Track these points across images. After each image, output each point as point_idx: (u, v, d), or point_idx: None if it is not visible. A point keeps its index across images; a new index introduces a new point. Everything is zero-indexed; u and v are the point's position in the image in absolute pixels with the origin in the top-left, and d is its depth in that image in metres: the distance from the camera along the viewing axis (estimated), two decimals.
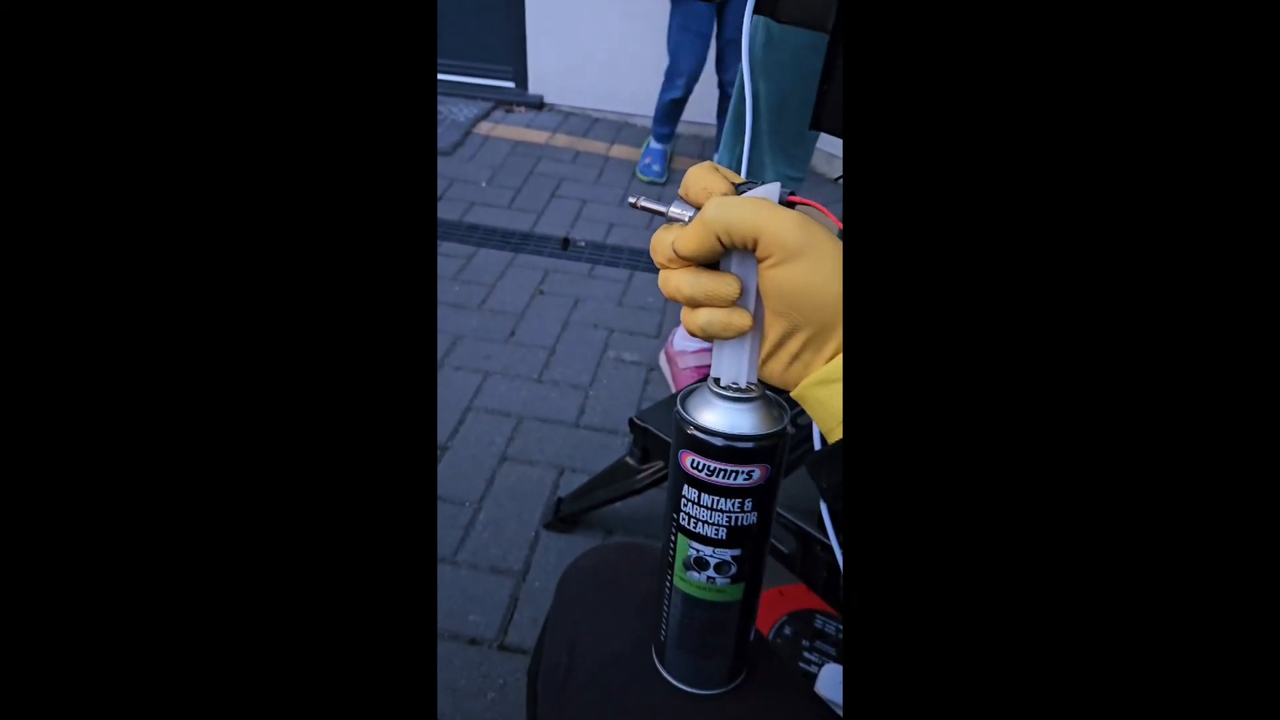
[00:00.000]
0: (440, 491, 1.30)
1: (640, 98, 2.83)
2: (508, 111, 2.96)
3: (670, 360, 1.61)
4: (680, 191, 0.37)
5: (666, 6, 2.41)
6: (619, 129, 2.87)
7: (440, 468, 1.35)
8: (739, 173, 0.39)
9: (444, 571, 1.17)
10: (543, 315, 1.80)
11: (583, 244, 2.14)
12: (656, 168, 2.52)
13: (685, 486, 0.39)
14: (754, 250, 0.33)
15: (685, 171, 0.36)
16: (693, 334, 0.37)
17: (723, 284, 0.35)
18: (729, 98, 2.42)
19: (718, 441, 0.37)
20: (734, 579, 0.40)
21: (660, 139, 2.55)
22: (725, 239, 0.33)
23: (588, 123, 2.91)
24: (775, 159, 1.23)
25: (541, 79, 2.96)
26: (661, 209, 0.38)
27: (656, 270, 1.88)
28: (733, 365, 0.38)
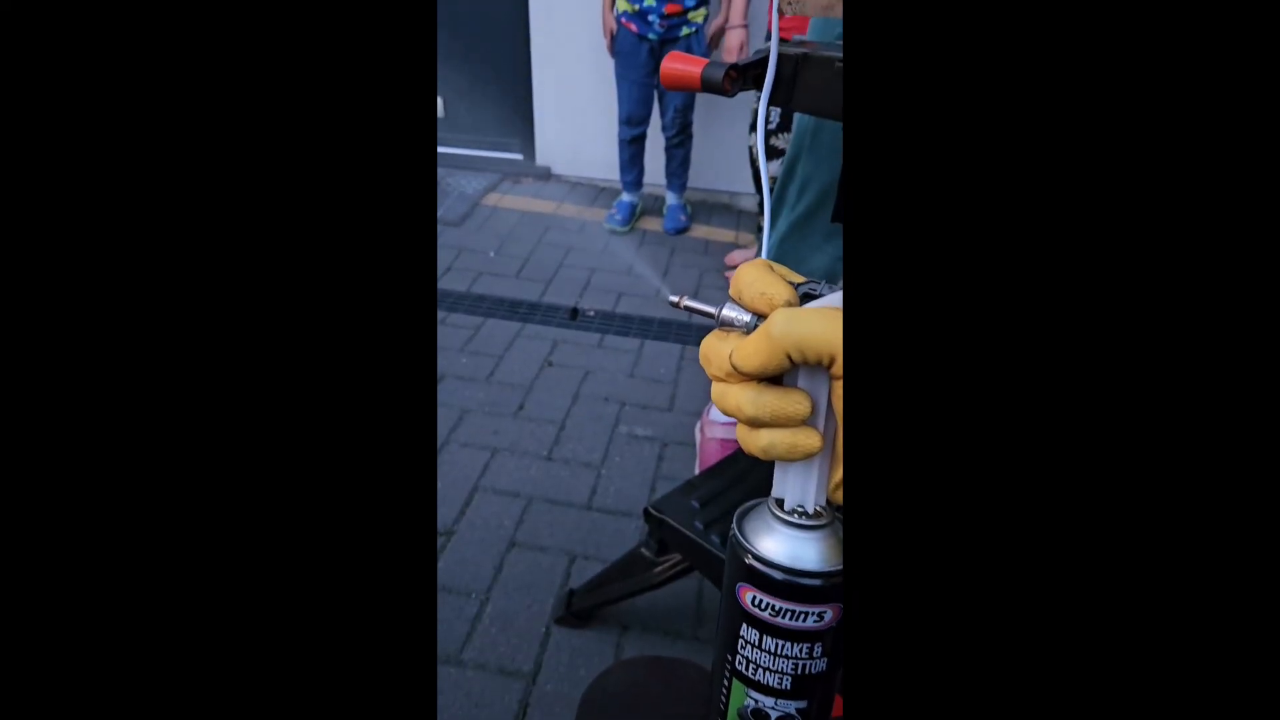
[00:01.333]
0: (446, 581, 1.22)
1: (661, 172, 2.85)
2: (515, 183, 2.98)
3: (701, 429, 1.55)
4: (732, 292, 0.32)
5: None
6: (613, 196, 2.88)
7: (446, 554, 1.27)
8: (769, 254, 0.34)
9: (448, 673, 1.08)
10: (552, 388, 1.75)
11: (591, 313, 2.10)
12: (619, 217, 2.63)
13: (744, 626, 0.33)
14: (828, 367, 0.29)
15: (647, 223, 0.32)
16: (753, 454, 0.32)
17: (791, 403, 0.30)
18: (669, 149, 2.52)
19: (779, 575, 0.32)
20: None
21: (625, 187, 2.65)
22: (796, 357, 0.29)
23: (594, 192, 2.92)
24: (824, 241, 1.20)
25: (548, 150, 3.00)
26: (710, 310, 0.33)
27: (668, 340, 1.84)
28: (799, 486, 0.33)
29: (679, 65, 0.66)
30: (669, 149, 2.55)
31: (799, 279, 0.32)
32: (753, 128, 2.20)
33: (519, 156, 3.08)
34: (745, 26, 2.25)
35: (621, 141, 2.54)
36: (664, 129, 2.51)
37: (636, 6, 2.24)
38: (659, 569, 1.03)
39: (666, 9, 2.22)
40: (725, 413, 0.32)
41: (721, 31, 2.29)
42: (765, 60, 0.60)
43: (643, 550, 1.06)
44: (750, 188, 2.48)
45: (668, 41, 2.27)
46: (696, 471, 1.51)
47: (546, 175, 3.02)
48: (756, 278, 0.31)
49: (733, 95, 0.63)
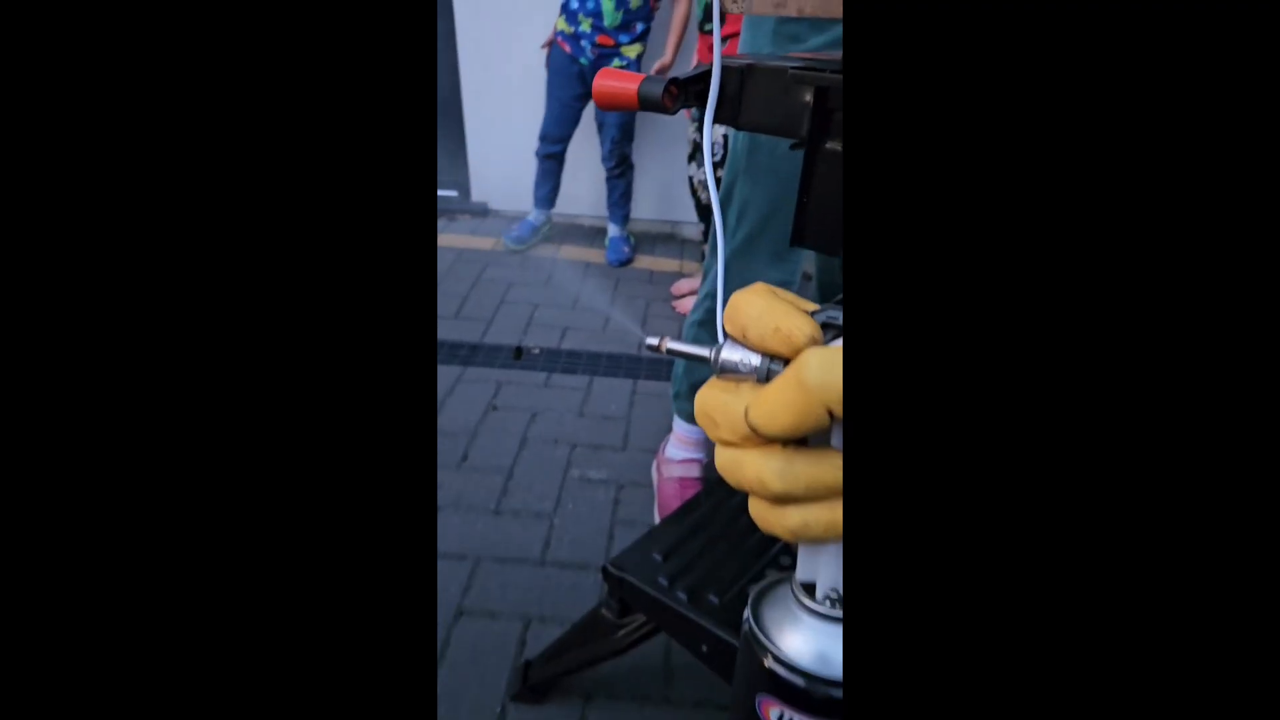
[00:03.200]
0: None
1: (588, 198, 2.80)
2: (451, 220, 2.88)
3: (658, 468, 1.47)
4: (730, 328, 0.25)
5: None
6: (567, 230, 2.81)
7: None
8: (711, 281, 0.27)
9: None
10: (497, 433, 1.64)
11: (536, 351, 2.01)
12: (518, 233, 2.60)
13: None
14: None
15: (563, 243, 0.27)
16: (780, 537, 0.24)
17: (829, 470, 0.23)
18: (609, 180, 2.52)
19: (812, 687, 0.25)
20: None
21: (535, 203, 2.62)
22: (840, 411, 0.21)
23: None
24: (768, 264, 1.18)
25: (484, 185, 2.92)
26: (702, 354, 0.26)
27: (618, 375, 1.76)
28: (835, 567, 0.25)
29: (612, 82, 0.58)
30: (609, 180, 2.52)
31: (813, 306, 0.25)
32: (691, 158, 2.17)
33: (453, 193, 2.99)
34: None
35: (536, 156, 2.52)
36: (603, 160, 2.48)
37: (572, 29, 2.25)
38: (622, 632, 0.94)
39: (598, 39, 2.22)
40: (740, 487, 0.24)
41: (665, 71, 2.27)
42: (708, 74, 0.53)
43: (603, 611, 0.97)
44: (693, 216, 2.44)
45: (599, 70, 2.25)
46: (655, 514, 1.43)
47: (484, 211, 2.94)
48: (764, 309, 0.24)
49: (673, 113, 0.56)
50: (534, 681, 1.02)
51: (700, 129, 2.12)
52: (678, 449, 1.44)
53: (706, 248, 2.34)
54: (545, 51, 2.38)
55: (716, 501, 1.05)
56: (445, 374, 1.86)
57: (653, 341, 0.28)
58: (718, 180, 1.29)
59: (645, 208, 2.78)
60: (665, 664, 1.13)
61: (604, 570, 0.92)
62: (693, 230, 2.76)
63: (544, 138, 2.46)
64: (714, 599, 0.89)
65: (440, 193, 2.99)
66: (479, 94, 2.66)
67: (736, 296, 0.25)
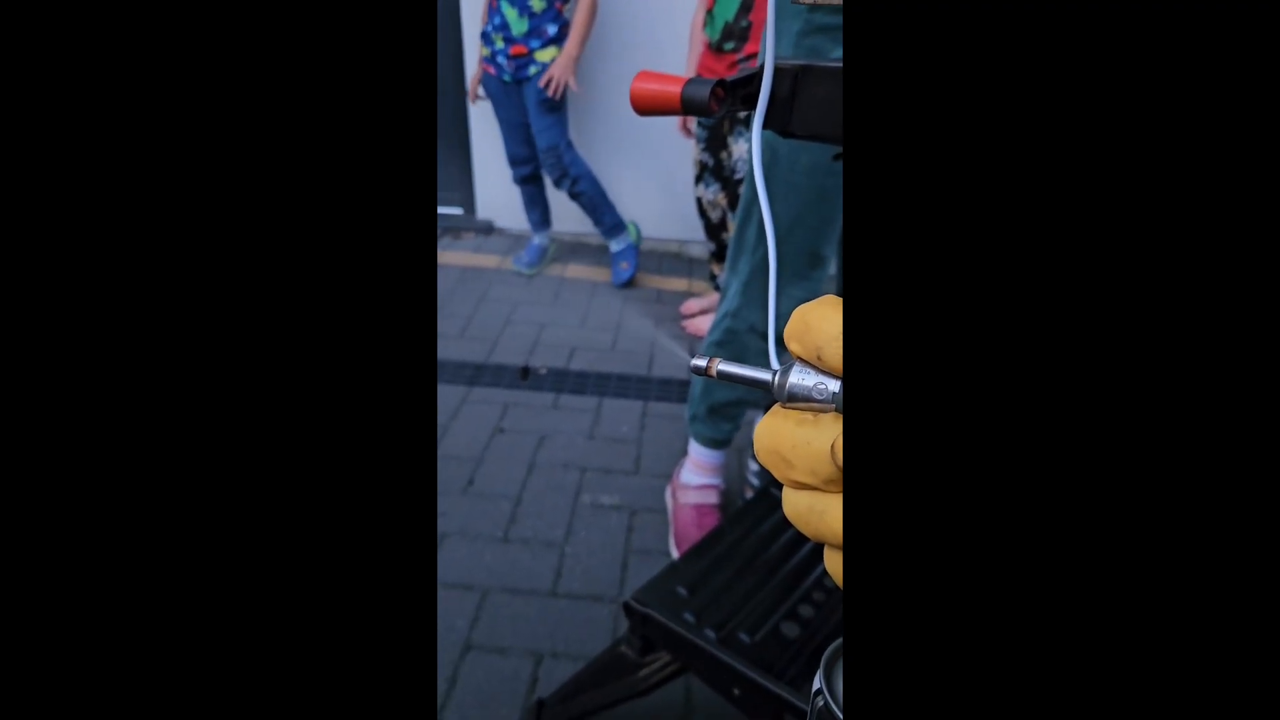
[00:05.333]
0: None
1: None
2: (455, 238, 2.85)
3: (673, 494, 1.42)
4: (797, 349, 0.21)
5: (608, 127, 2.61)
6: (574, 249, 2.77)
7: None
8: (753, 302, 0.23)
9: None
10: (504, 457, 1.59)
11: (544, 371, 1.96)
12: (527, 258, 2.58)
13: None
14: None
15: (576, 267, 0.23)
16: None
17: None
18: (570, 196, 2.46)
19: None
20: None
21: (533, 227, 2.60)
22: None
23: None
24: (790, 281, 1.15)
25: (490, 203, 2.88)
26: (763, 378, 0.22)
27: (629, 397, 1.70)
28: None
29: (653, 85, 0.53)
30: (572, 199, 2.44)
31: None
32: (699, 179, 2.13)
33: (459, 211, 2.96)
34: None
35: (514, 183, 2.51)
36: (546, 175, 2.41)
37: (489, 50, 2.26)
38: (644, 672, 0.88)
39: (511, 50, 2.21)
40: (820, 538, 0.20)
41: (550, 82, 2.23)
42: (756, 76, 0.49)
43: (624, 649, 0.91)
44: (700, 235, 2.40)
45: (520, 81, 2.27)
46: (671, 542, 1.37)
47: (489, 229, 2.90)
48: (838, 324, 0.20)
49: (718, 116, 0.52)
50: None
51: (707, 149, 2.08)
52: (694, 474, 1.39)
53: (719, 267, 2.31)
54: (475, 90, 2.37)
55: (741, 532, 0.99)
56: (450, 394, 1.81)
57: (700, 364, 0.25)
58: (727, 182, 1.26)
59: (652, 227, 2.74)
60: (685, 703, 1.07)
61: (626, 606, 0.86)
62: (700, 249, 2.72)
63: (511, 162, 2.45)
64: (745, 638, 0.83)
65: (445, 210, 2.96)
66: (485, 111, 2.63)
67: (807, 311, 0.21)
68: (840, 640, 0.24)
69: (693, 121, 2.08)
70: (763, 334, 1.06)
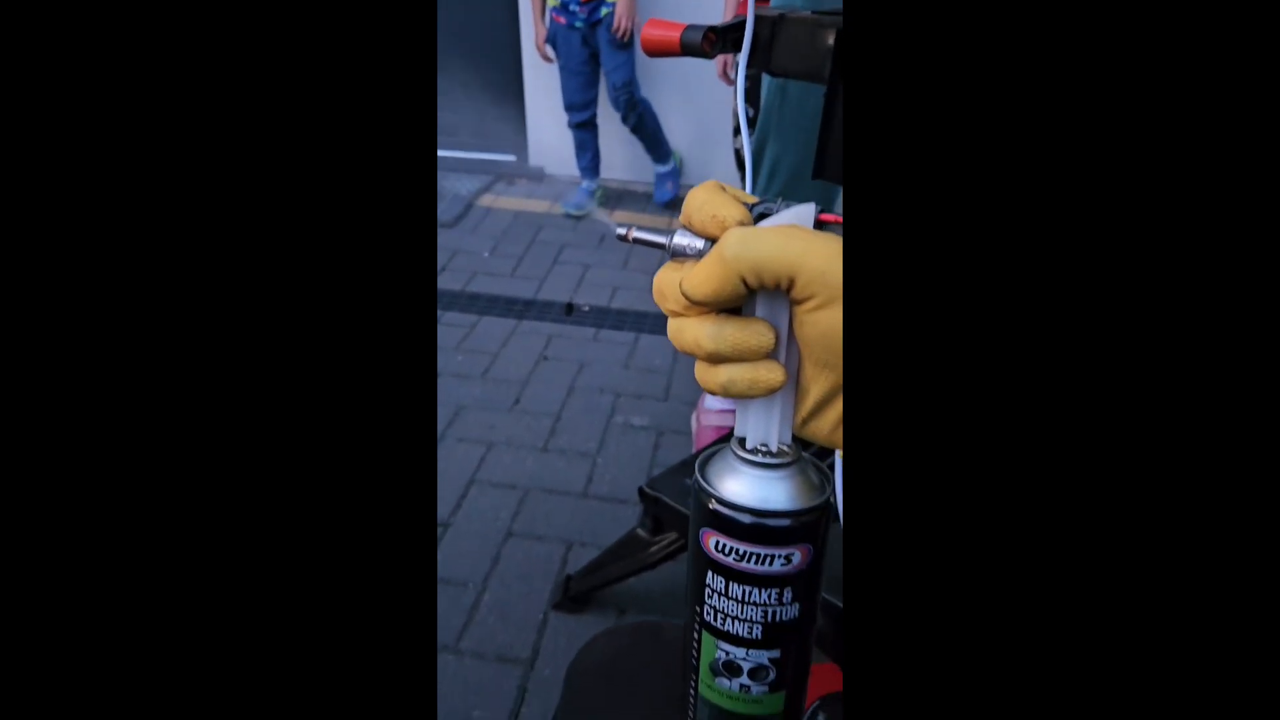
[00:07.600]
0: (442, 573, 1.22)
1: (638, 165, 2.86)
2: (509, 184, 2.98)
3: (697, 418, 1.55)
4: (682, 219, 0.30)
5: (660, 77, 2.69)
6: (620, 196, 2.89)
7: (441, 547, 1.28)
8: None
9: (445, 662, 1.08)
10: (547, 382, 1.75)
11: (586, 308, 2.10)
12: (576, 200, 2.73)
13: (710, 574, 0.32)
14: (788, 290, 0.27)
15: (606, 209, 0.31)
16: (712, 393, 0.30)
17: (752, 335, 0.28)
18: (633, 132, 2.63)
19: (745, 519, 0.31)
20: (773, 686, 0.34)
21: (582, 173, 2.76)
22: (753, 281, 0.27)
23: None
24: None
25: (541, 151, 3.00)
26: (659, 240, 0.31)
27: (663, 333, 1.83)
28: (761, 423, 0.31)
29: (659, 31, 0.67)
30: (633, 133, 2.62)
31: (752, 199, 0.30)
32: (736, 131, 2.21)
33: (512, 158, 3.08)
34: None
35: (570, 129, 2.65)
36: (615, 109, 2.56)
37: (560, 1, 2.41)
38: (654, 548, 1.04)
39: None
40: (682, 349, 0.30)
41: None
42: (743, 24, 0.60)
43: (638, 531, 1.07)
44: (737, 185, 2.47)
45: (593, 24, 2.43)
46: None
47: (540, 176, 3.02)
48: (706, 199, 0.28)
49: (711, 57, 0.64)
50: (574, 593, 1.13)
51: (748, 101, 2.15)
52: (716, 400, 1.52)
53: None
54: (540, 45, 2.52)
55: None
56: (502, 326, 1.98)
57: (621, 231, 0.31)
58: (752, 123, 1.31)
59: (691, 174, 2.82)
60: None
61: (640, 490, 1.02)
62: None
63: (569, 108, 2.60)
64: None
65: (499, 157, 3.08)
66: (538, 62, 2.73)
67: (692, 191, 0.29)
68: (712, 447, 0.33)
69: (732, 68, 2.16)
70: None
